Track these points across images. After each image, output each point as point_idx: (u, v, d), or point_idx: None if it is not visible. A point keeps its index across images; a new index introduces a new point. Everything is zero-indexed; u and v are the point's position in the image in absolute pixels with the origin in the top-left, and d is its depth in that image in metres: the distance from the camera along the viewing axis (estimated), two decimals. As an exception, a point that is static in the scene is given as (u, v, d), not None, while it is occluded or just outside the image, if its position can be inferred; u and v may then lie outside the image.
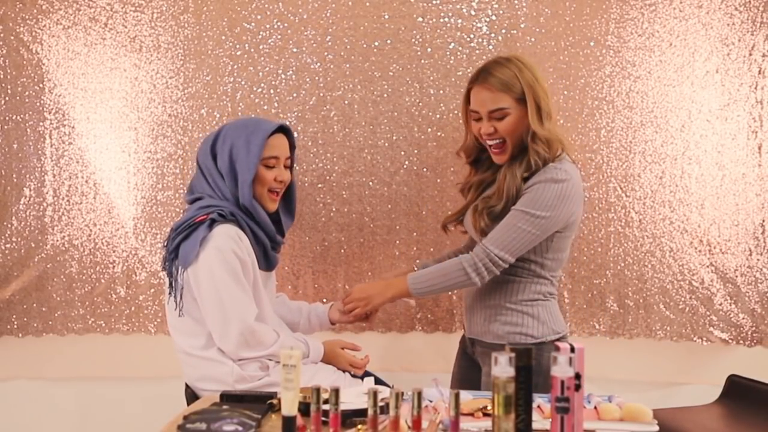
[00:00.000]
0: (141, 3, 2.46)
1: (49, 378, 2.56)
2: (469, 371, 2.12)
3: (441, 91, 2.45)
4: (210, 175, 2.02)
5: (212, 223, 1.92)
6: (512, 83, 1.93)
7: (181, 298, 1.95)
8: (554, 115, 2.00)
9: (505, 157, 1.98)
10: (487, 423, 1.45)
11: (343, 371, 2.07)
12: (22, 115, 2.48)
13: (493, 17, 2.44)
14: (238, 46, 2.46)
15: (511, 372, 1.24)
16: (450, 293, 2.45)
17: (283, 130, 2.06)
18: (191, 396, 2.02)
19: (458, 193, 2.23)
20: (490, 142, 1.97)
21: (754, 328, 2.45)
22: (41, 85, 2.47)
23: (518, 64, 1.96)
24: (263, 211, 2.01)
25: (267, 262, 2.06)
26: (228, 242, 1.90)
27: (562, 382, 1.28)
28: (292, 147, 2.09)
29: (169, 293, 1.98)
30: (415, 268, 2.17)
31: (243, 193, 1.97)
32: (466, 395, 1.66)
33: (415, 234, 2.48)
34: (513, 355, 1.25)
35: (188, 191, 2.10)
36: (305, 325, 2.24)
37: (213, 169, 2.01)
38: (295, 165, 2.14)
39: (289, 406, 1.30)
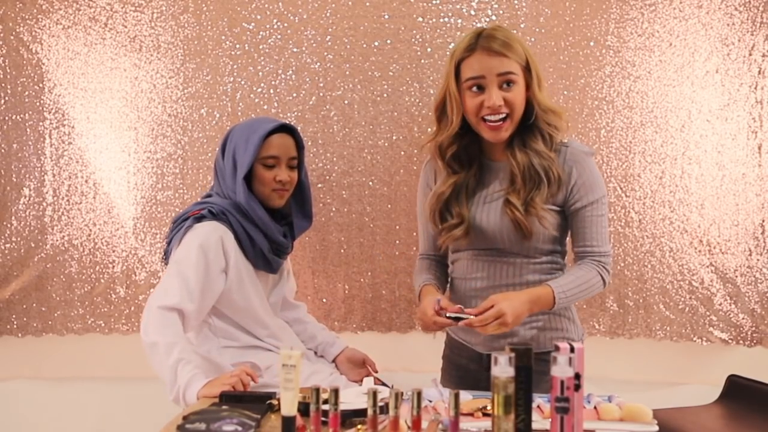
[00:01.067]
0: (141, 3, 2.46)
1: (48, 378, 2.56)
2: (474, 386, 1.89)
3: (441, 91, 2.45)
4: (220, 173, 2.04)
5: (201, 218, 1.94)
6: (515, 46, 1.78)
7: None
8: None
9: (506, 134, 1.82)
10: (487, 423, 1.45)
11: None
12: (21, 115, 2.48)
13: (493, 17, 2.43)
14: (237, 46, 2.46)
15: (510, 372, 1.24)
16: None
17: (288, 129, 2.04)
18: None
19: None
20: (492, 118, 1.79)
21: (754, 328, 2.45)
22: (41, 85, 2.47)
23: (508, 30, 1.84)
24: (262, 211, 1.99)
25: (267, 264, 2.03)
26: (199, 238, 1.89)
27: (562, 382, 1.28)
28: (300, 147, 2.07)
29: None
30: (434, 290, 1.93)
31: (237, 191, 1.97)
32: (465, 395, 1.66)
33: (415, 234, 2.47)
34: (513, 355, 1.25)
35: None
36: (311, 354, 2.19)
37: (222, 167, 2.03)
38: (304, 164, 2.11)
39: (289, 406, 1.30)
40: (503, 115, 1.79)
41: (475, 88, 1.79)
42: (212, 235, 1.90)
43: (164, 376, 1.75)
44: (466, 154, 1.90)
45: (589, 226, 1.86)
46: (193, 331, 1.98)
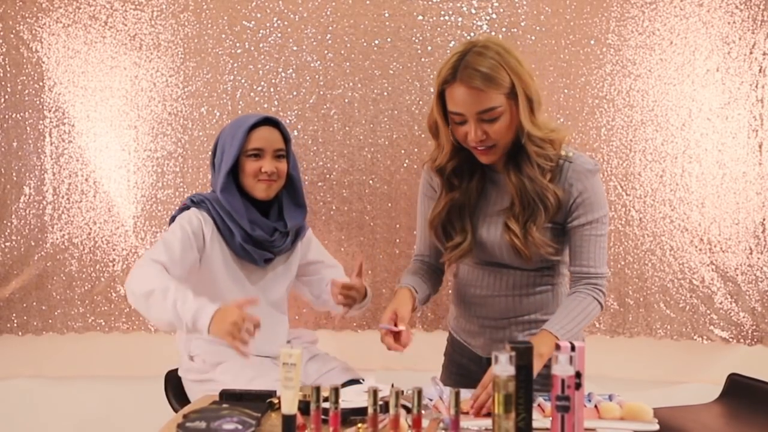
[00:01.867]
0: (141, 1, 2.45)
1: (48, 376, 2.56)
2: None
3: (441, 90, 2.44)
4: (212, 173, 2.09)
5: (186, 208, 2.04)
6: (499, 76, 1.67)
7: None
8: (543, 102, 1.78)
9: (495, 158, 1.78)
10: (488, 422, 1.45)
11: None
12: (21, 114, 2.48)
13: (494, 15, 2.43)
14: (238, 45, 2.46)
15: (511, 371, 1.24)
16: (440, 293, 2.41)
17: (273, 122, 2.06)
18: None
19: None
20: (479, 147, 1.75)
21: (754, 327, 2.45)
22: (41, 84, 2.47)
23: (497, 50, 1.69)
24: (239, 202, 2.01)
25: (248, 255, 2.04)
26: (182, 219, 2.00)
27: (563, 381, 1.28)
28: (286, 140, 2.08)
29: None
30: (415, 292, 1.89)
31: (219, 181, 2.01)
32: (466, 394, 1.66)
33: (415, 232, 2.46)
34: (513, 354, 1.25)
35: None
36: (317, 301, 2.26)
37: (214, 163, 2.08)
38: (292, 156, 2.11)
39: (289, 405, 1.30)
40: (489, 145, 1.74)
41: (458, 121, 1.74)
42: (192, 216, 2.01)
43: (167, 317, 1.78)
44: (468, 164, 1.85)
45: (586, 246, 1.80)
46: None
